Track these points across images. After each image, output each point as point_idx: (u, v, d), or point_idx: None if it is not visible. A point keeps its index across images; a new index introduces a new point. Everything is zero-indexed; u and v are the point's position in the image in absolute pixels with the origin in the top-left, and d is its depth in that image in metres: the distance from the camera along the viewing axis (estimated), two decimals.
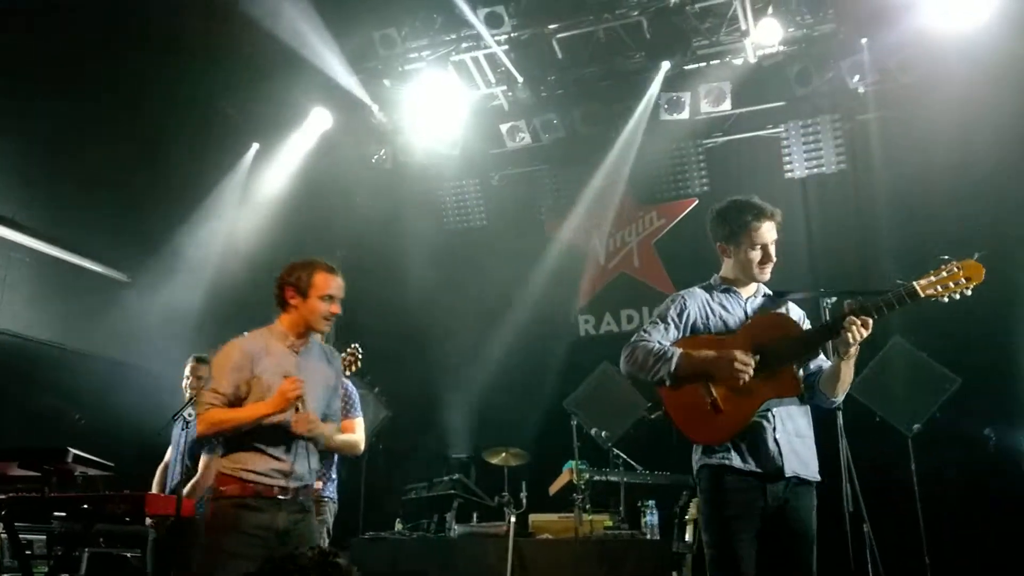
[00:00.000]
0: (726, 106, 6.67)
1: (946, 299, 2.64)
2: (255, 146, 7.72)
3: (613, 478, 5.63)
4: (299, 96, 7.45)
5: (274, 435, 3.04)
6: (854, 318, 2.65)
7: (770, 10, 6.18)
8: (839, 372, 2.78)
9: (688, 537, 5.29)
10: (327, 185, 7.95)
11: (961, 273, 2.62)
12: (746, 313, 2.96)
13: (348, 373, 3.95)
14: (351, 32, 7.09)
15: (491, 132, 7.40)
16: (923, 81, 6.22)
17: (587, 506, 5.39)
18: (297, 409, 3.02)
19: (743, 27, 6.41)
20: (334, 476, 4.26)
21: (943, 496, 5.53)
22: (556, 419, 6.24)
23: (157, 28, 6.42)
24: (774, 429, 2.80)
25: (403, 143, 7.66)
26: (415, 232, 7.96)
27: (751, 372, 2.74)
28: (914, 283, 2.65)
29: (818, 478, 2.86)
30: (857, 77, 6.35)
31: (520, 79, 7.00)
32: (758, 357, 2.78)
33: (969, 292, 2.62)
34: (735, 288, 3.01)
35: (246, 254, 7.56)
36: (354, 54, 7.14)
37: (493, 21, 6.56)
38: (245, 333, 3.44)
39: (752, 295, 3.02)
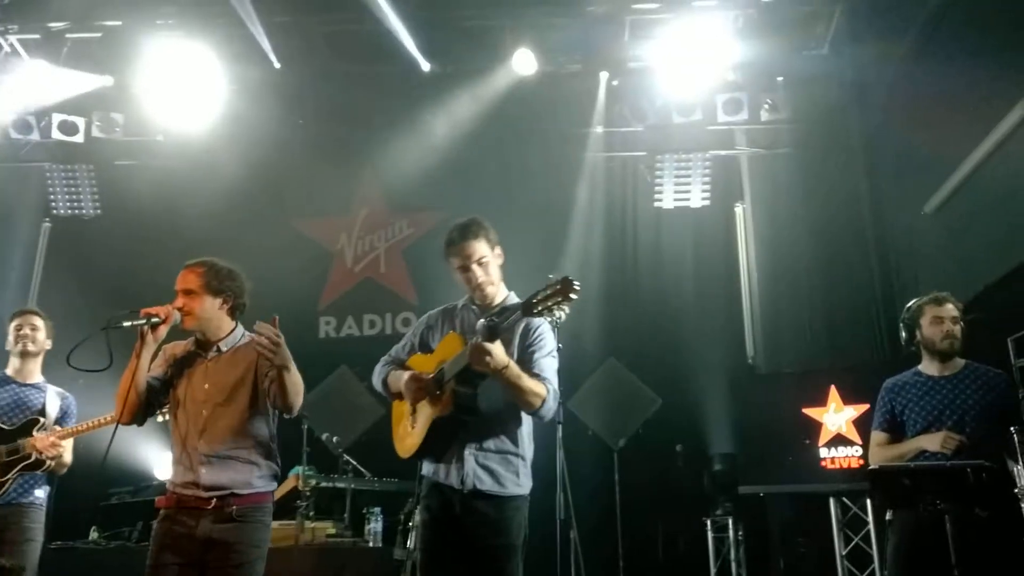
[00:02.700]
0: (479, 125, 6.91)
1: (552, 314, 2.64)
2: None
3: (341, 484, 5.56)
4: (13, 43, 6.52)
5: (181, 450, 3.03)
6: (473, 346, 2.72)
7: (527, 41, 6.52)
8: (505, 388, 2.85)
9: (410, 543, 5.36)
10: (36, 150, 7.05)
11: (558, 290, 2.59)
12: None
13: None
14: None
15: (242, 114, 6.97)
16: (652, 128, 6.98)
17: (311, 513, 5.26)
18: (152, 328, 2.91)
19: (502, 53, 6.67)
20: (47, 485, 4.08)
21: (639, 503, 6.16)
22: (285, 422, 5.98)
23: None
24: (463, 445, 2.90)
25: (139, 115, 6.97)
26: (149, 213, 7.29)
27: (416, 393, 2.92)
28: (525, 301, 2.70)
29: (512, 492, 2.93)
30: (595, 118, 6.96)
31: (277, 65, 6.70)
32: (433, 380, 2.91)
33: (567, 309, 2.62)
34: (475, 304, 3.11)
35: None
36: (88, 7, 6.39)
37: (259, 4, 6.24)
38: None
39: (493, 307, 3.07)
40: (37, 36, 6.55)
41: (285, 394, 2.90)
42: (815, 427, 5.63)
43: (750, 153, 7.21)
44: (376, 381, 3.20)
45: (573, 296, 2.55)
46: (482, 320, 2.75)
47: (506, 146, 7.16)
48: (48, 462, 3.91)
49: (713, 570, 6.10)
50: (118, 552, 5.18)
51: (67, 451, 4.01)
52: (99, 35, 6.57)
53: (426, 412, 2.94)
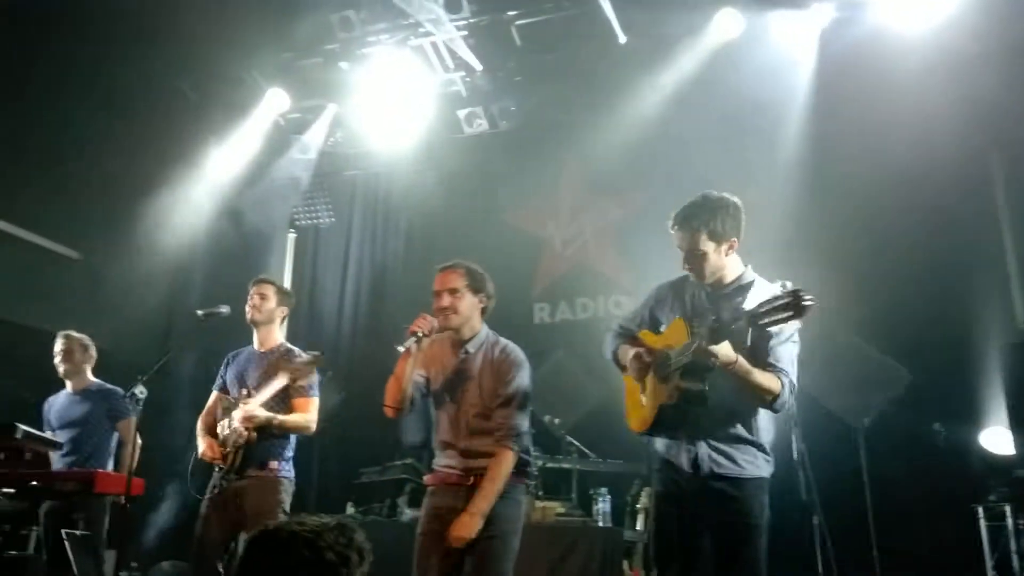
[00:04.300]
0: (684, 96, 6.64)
1: (775, 328, 2.54)
2: (213, 139, 7.61)
3: (566, 465, 5.64)
4: (256, 75, 7.34)
5: (442, 441, 3.29)
6: (701, 345, 2.63)
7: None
8: (737, 382, 2.73)
9: (639, 526, 5.29)
10: (283, 169, 7.85)
11: (786, 303, 2.44)
12: (698, 305, 2.97)
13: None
14: (310, 12, 6.99)
15: (449, 118, 7.31)
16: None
17: (539, 492, 5.37)
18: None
19: (702, 16, 6.38)
20: (290, 455, 3.99)
21: (892, 489, 5.58)
22: None
23: (103, 6, 6.32)
24: (694, 432, 2.84)
25: (359, 129, 7.54)
26: (372, 218, 7.89)
27: (640, 371, 2.90)
28: (755, 309, 2.51)
29: (752, 474, 2.82)
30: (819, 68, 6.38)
31: (479, 67, 6.89)
32: (650, 359, 2.87)
33: (799, 324, 2.60)
34: (708, 284, 2.99)
35: (199, 236, 7.47)
36: (311, 36, 7.01)
37: (452, 6, 6.50)
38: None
39: (729, 286, 2.94)
40: (272, 67, 7.31)
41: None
42: None
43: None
44: (605, 351, 3.20)
45: (805, 309, 2.41)
46: (707, 323, 2.65)
47: (714, 115, 6.79)
48: (247, 433, 3.77)
49: (989, 563, 5.35)
50: (372, 526, 5.60)
51: (263, 416, 3.82)
52: (320, 60, 7.18)
53: (653, 392, 2.89)
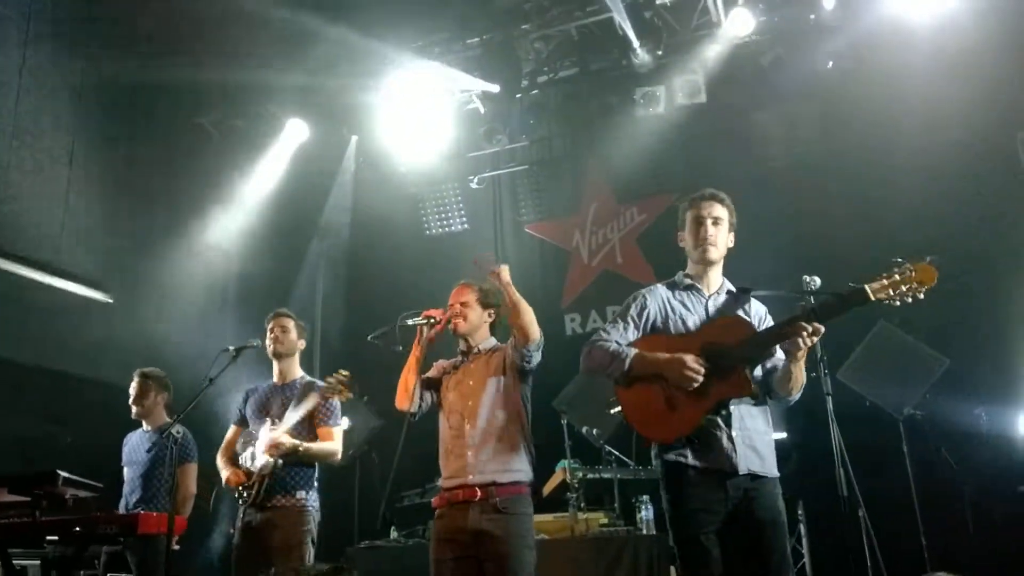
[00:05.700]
0: (701, 98, 6.66)
1: (898, 302, 2.62)
2: (237, 173, 7.73)
3: (606, 475, 5.60)
4: (274, 108, 7.44)
5: (452, 439, 3.38)
6: (805, 324, 2.67)
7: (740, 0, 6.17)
8: (791, 373, 2.82)
9: None
10: (306, 197, 7.93)
11: (914, 276, 2.59)
12: (707, 311, 2.99)
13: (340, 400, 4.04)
14: (324, 42, 7.09)
15: (469, 135, 7.38)
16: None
17: (582, 505, 5.35)
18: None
19: (714, 18, 6.40)
20: (315, 485, 4.10)
21: (938, 478, 5.52)
22: (546, 419, 6.17)
23: (127, 38, 6.46)
24: (729, 427, 2.84)
25: (381, 150, 7.63)
26: (397, 239, 7.95)
27: (699, 379, 2.79)
28: (865, 286, 2.64)
29: (776, 474, 2.91)
30: (831, 63, 6.35)
31: (495, 87, 6.96)
32: (707, 363, 2.81)
33: (922, 296, 2.59)
34: (698, 285, 3.05)
35: (230, 271, 7.55)
36: (329, 62, 7.11)
37: (466, 26, 6.59)
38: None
39: (715, 292, 3.05)
40: (291, 98, 7.41)
41: (518, 315, 3.27)
42: None
43: None
44: (601, 364, 2.98)
45: (930, 285, 2.55)
46: (809, 303, 2.76)
47: (730, 115, 6.79)
48: (274, 460, 3.86)
49: None
50: (416, 548, 5.62)
51: (290, 444, 3.90)
52: (338, 87, 7.28)
53: (696, 395, 2.82)
